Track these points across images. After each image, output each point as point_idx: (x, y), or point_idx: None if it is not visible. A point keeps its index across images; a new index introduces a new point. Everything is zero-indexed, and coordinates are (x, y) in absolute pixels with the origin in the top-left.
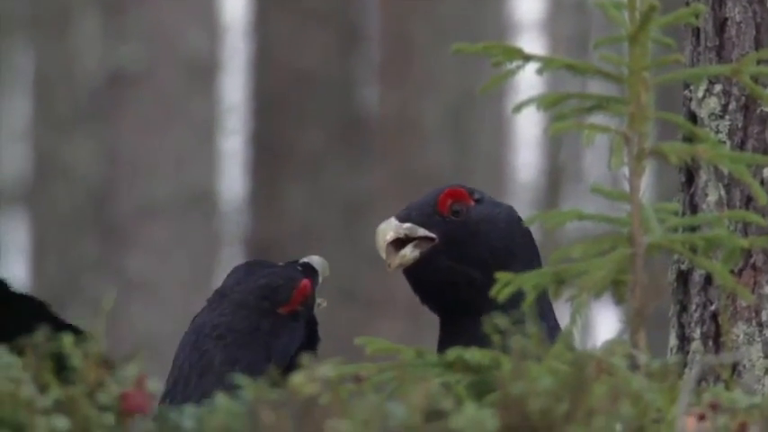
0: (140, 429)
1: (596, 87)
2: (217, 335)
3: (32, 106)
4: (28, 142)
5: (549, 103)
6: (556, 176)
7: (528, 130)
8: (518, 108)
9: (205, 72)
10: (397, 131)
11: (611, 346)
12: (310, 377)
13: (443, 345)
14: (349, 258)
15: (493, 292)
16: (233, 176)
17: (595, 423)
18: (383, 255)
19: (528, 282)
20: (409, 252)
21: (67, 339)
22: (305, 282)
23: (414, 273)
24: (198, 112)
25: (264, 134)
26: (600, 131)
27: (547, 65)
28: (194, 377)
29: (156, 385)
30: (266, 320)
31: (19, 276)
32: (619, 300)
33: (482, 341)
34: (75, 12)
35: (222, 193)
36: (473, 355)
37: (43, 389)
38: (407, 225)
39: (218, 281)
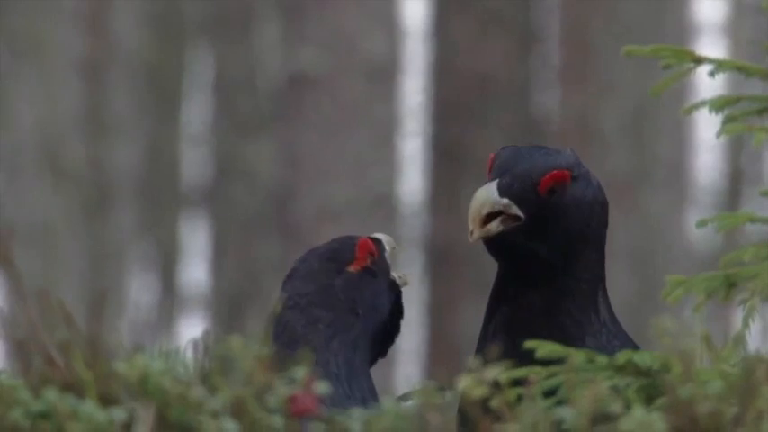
0: None
1: None
2: (292, 304)
3: (213, 110)
4: (209, 145)
5: (721, 105)
6: (736, 180)
7: (708, 133)
8: (689, 110)
9: (385, 75)
10: (576, 135)
11: None
12: (479, 380)
13: (497, 302)
14: None
15: (663, 295)
16: (413, 179)
17: (765, 427)
18: (472, 223)
19: (698, 285)
20: (494, 227)
21: (237, 341)
22: (363, 239)
23: (491, 244)
24: (378, 115)
25: (444, 137)
26: None
27: (718, 67)
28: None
29: (325, 387)
30: (339, 278)
31: (199, 278)
32: None
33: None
34: (256, 16)
35: (402, 196)
36: (643, 358)
37: (213, 391)
38: (506, 202)
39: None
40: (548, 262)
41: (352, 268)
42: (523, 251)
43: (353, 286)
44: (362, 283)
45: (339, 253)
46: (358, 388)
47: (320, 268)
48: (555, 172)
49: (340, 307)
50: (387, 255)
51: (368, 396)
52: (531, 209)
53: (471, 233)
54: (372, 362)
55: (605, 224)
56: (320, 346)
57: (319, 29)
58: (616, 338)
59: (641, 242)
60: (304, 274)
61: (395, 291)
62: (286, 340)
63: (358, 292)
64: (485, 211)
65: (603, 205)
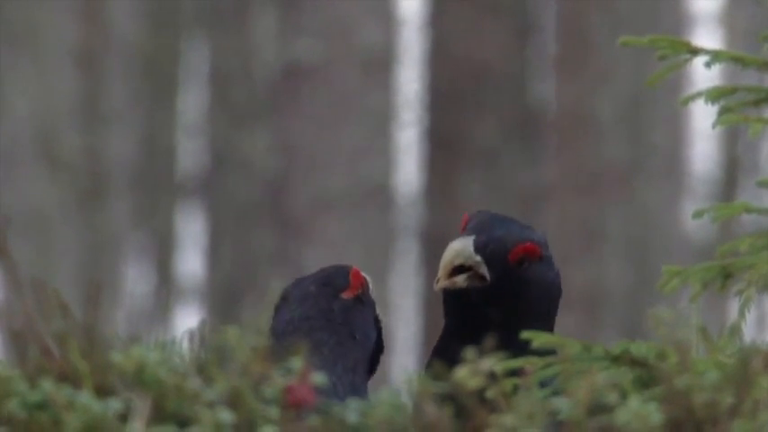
0: (305, 423)
1: None
2: (292, 329)
3: (209, 100)
4: (205, 135)
5: (717, 95)
6: (732, 170)
7: (704, 123)
8: (686, 101)
9: (381, 65)
10: (571, 124)
11: None
12: (475, 371)
13: (441, 351)
14: None
15: (659, 285)
16: (408, 169)
17: (761, 417)
18: (442, 271)
19: (695, 275)
20: (461, 281)
21: (233, 332)
22: (355, 268)
23: (450, 297)
24: (373, 105)
25: (440, 127)
26: (766, 124)
27: (714, 58)
28: None
29: (321, 378)
30: (336, 303)
31: (194, 268)
32: None
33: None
34: (252, 6)
35: (397, 185)
36: (639, 348)
37: (209, 381)
38: (478, 259)
39: (393, 274)
40: (495, 327)
41: (345, 295)
42: (477, 312)
43: (349, 312)
44: (356, 310)
45: (334, 278)
46: None
47: (318, 292)
48: (528, 244)
49: (340, 331)
50: (371, 291)
51: None
52: (497, 273)
53: (438, 281)
54: None
55: (556, 308)
56: (326, 371)
57: (315, 19)
58: None
59: (637, 232)
60: (301, 297)
61: (377, 326)
62: None
63: (353, 318)
64: (457, 262)
65: (559, 291)
